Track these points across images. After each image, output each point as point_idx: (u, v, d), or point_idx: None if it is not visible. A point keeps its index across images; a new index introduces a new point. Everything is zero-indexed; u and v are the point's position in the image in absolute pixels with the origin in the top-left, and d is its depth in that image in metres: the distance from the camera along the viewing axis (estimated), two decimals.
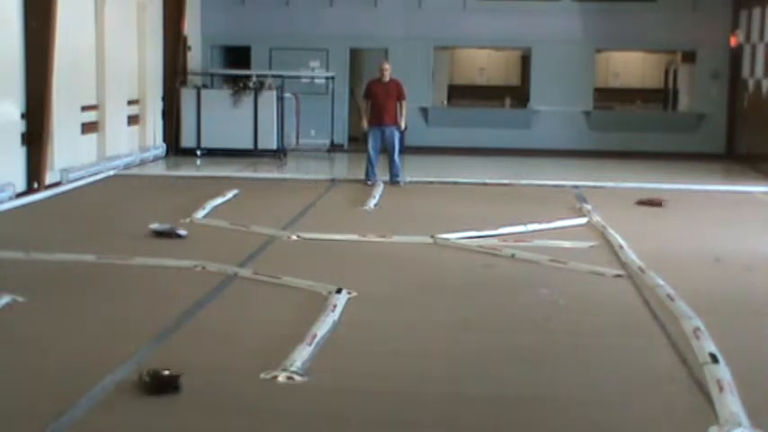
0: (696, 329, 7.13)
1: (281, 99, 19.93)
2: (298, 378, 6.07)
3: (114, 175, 16.51)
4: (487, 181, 16.48)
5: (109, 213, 12.70)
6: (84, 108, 16.09)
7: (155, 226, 10.89)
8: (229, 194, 14.06)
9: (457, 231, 11.20)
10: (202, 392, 5.86)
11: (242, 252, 10.02)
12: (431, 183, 16.35)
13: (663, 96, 23.98)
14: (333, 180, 16.55)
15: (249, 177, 16.94)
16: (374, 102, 15.88)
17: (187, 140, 19.91)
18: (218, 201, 13.45)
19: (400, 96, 15.90)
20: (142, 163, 18.31)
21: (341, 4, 21.94)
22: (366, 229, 11.41)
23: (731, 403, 5.64)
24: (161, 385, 5.75)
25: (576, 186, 16.01)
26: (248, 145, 19.75)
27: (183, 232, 10.84)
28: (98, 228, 11.58)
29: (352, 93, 22.16)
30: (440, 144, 21.53)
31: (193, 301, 7.95)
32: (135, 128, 18.55)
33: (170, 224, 11.09)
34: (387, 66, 16.17)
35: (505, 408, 5.76)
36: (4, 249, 9.80)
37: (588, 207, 13.42)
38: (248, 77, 20.35)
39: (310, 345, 6.65)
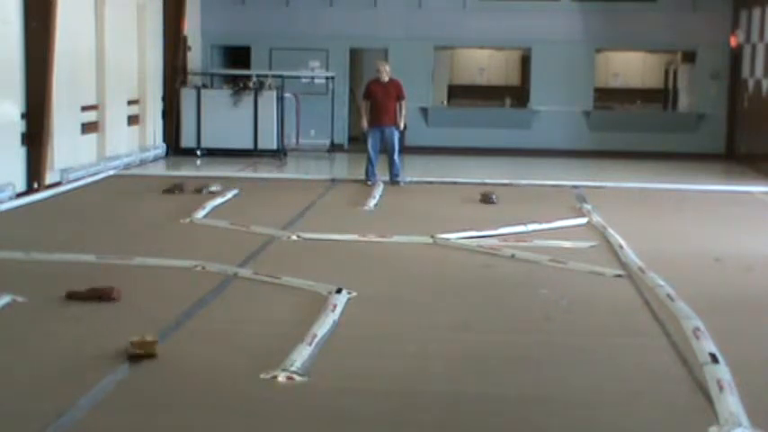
0: (696, 329, 7.13)
1: (281, 99, 19.95)
2: (298, 378, 6.07)
3: (114, 175, 16.52)
4: (487, 181, 16.46)
5: (109, 213, 12.70)
6: (84, 108, 16.09)
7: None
8: (229, 194, 14.06)
9: (457, 231, 11.20)
10: (202, 392, 5.86)
11: (242, 252, 10.02)
12: (431, 183, 16.35)
13: (663, 96, 23.97)
14: (333, 180, 16.55)
15: (249, 177, 16.94)
16: (373, 102, 15.88)
17: (187, 140, 19.93)
18: (218, 201, 13.45)
19: (400, 96, 15.90)
20: (142, 163, 18.32)
21: (341, 4, 21.95)
22: (366, 229, 11.41)
23: (731, 403, 5.64)
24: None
25: (576, 186, 16.01)
26: (248, 145, 19.77)
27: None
28: (98, 228, 11.59)
29: (352, 93, 22.17)
30: (440, 144, 21.54)
31: (193, 301, 7.95)
32: (135, 128, 18.55)
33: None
34: (382, 66, 16.16)
35: (505, 408, 5.76)
36: (4, 249, 9.80)
37: (588, 207, 13.42)
38: (248, 77, 20.36)
39: (310, 345, 6.65)
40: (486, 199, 13.93)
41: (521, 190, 15.80)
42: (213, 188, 14.20)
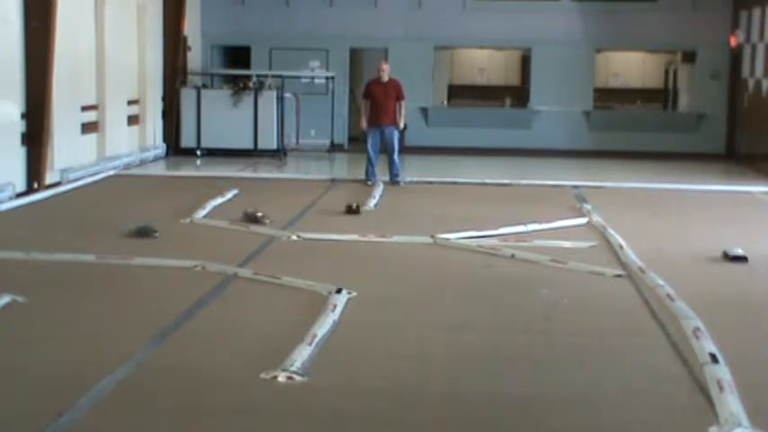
0: (696, 329, 7.12)
1: (281, 99, 19.95)
2: (298, 378, 6.07)
3: (114, 175, 16.51)
4: (487, 181, 16.48)
5: (109, 213, 12.69)
6: (84, 108, 16.09)
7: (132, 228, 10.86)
8: (229, 194, 14.06)
9: (457, 231, 11.20)
10: (202, 392, 5.86)
11: (242, 252, 10.02)
12: (431, 183, 16.36)
13: (663, 96, 23.99)
14: (333, 180, 16.55)
15: (249, 177, 16.94)
16: (373, 102, 15.89)
17: (187, 140, 19.94)
18: (218, 201, 13.45)
19: (399, 96, 15.90)
20: (142, 163, 18.32)
21: (341, 4, 21.96)
22: (366, 229, 11.41)
23: (731, 403, 5.64)
24: None
25: (576, 186, 16.01)
26: (248, 145, 19.77)
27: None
28: (98, 228, 11.58)
29: (352, 93, 22.17)
30: (440, 144, 21.55)
31: (193, 301, 7.94)
32: (135, 128, 18.55)
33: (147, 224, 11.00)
34: (384, 66, 16.19)
35: (505, 408, 5.76)
36: (4, 249, 9.79)
37: (588, 207, 13.42)
38: (248, 77, 20.37)
39: (310, 345, 6.65)
40: (350, 210, 12.55)
41: (521, 190, 15.80)
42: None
